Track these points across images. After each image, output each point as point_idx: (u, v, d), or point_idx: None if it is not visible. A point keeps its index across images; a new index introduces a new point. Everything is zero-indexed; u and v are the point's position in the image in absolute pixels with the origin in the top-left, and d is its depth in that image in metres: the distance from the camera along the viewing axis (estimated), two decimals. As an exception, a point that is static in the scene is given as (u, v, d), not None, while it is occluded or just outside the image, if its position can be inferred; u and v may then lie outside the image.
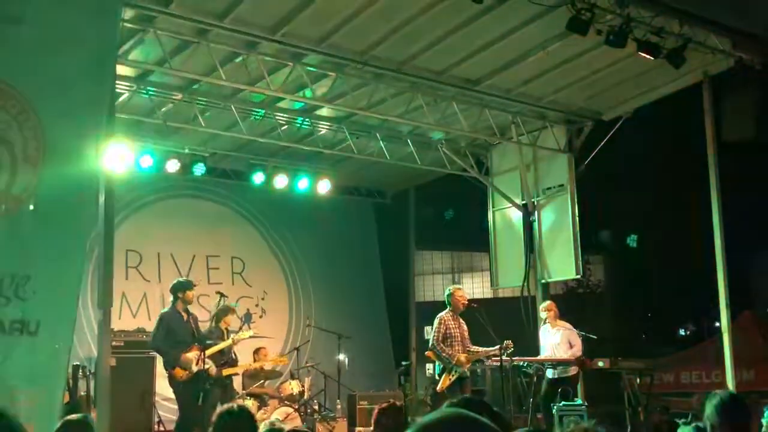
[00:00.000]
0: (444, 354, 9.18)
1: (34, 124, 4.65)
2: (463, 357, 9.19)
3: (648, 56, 8.61)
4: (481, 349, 9.42)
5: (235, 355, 9.50)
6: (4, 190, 4.53)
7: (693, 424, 4.37)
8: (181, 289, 8.90)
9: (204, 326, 9.32)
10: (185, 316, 8.77)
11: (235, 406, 3.80)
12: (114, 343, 9.82)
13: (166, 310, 9.10)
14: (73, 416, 4.41)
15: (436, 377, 9.42)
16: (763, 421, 4.33)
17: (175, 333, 8.61)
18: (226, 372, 9.14)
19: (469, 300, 9.69)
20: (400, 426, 4.79)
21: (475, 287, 22.73)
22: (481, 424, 1.68)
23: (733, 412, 3.59)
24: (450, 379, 9.17)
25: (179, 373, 8.45)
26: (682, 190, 17.23)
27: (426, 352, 9.79)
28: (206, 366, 8.45)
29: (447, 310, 9.44)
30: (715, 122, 9.79)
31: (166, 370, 8.68)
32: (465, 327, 9.47)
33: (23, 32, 4.62)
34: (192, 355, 8.48)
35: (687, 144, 12.85)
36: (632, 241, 23.05)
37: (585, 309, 19.39)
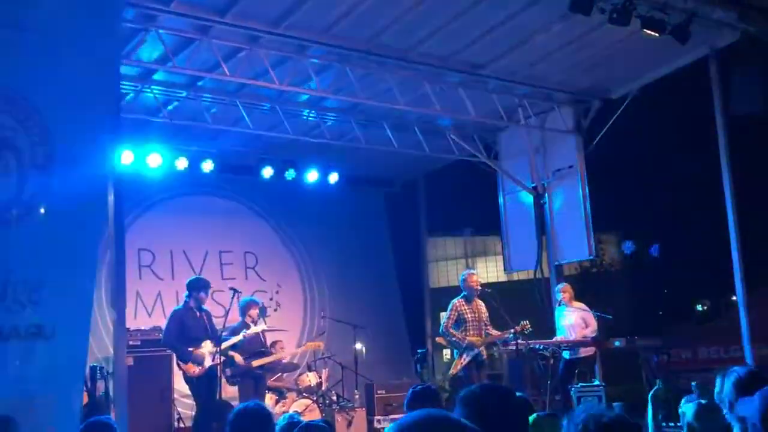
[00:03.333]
0: (453, 338, 9.23)
1: (41, 130, 4.65)
2: (475, 339, 9.19)
3: (653, 33, 8.55)
4: (496, 332, 9.42)
5: (265, 347, 9.57)
6: (14, 196, 4.53)
7: (695, 401, 4.33)
8: (195, 287, 8.95)
9: (219, 322, 9.37)
10: (198, 313, 8.83)
11: (251, 404, 3.79)
12: (131, 342, 9.89)
13: (178, 306, 9.17)
14: (95, 419, 4.43)
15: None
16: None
17: (188, 329, 8.68)
18: (256, 363, 9.21)
19: (481, 284, 9.70)
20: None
21: (489, 271, 22.70)
22: (456, 425, 1.67)
23: (751, 388, 3.55)
24: (462, 363, 9.20)
25: (192, 368, 8.53)
26: (693, 165, 17.10)
27: (436, 338, 9.82)
28: (222, 359, 8.50)
29: (461, 295, 9.46)
30: (723, 96, 9.72)
31: (179, 366, 8.75)
32: (484, 311, 9.45)
33: (26, 38, 4.61)
34: (204, 350, 8.53)
35: (696, 119, 12.77)
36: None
37: (600, 288, 19.36)
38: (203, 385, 8.62)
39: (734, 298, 10.47)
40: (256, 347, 9.34)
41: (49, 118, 4.73)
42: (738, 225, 9.70)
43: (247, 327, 9.26)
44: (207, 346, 8.60)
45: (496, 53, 10.00)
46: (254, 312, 9.46)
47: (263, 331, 9.65)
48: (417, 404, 4.48)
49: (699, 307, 24.78)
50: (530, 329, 9.28)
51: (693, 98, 12.36)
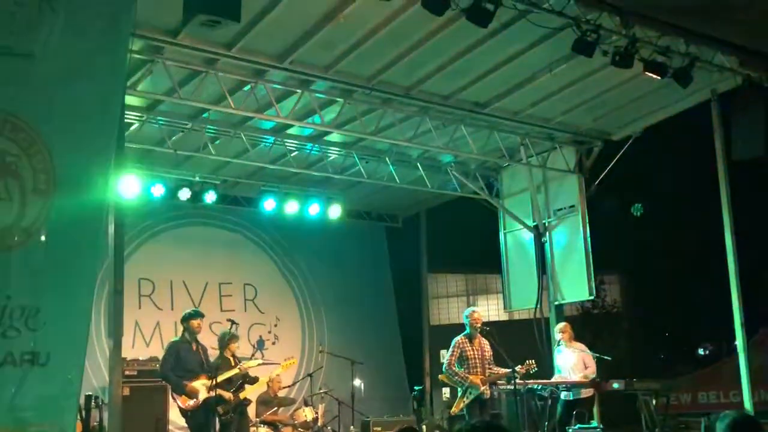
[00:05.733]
0: (456, 377, 9.12)
1: (44, 158, 4.69)
2: (477, 379, 9.08)
3: (655, 76, 8.62)
4: (501, 370, 9.28)
5: (247, 377, 9.42)
6: (14, 222, 4.56)
7: None
8: (186, 317, 8.95)
9: (213, 354, 9.28)
10: (194, 346, 8.79)
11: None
12: (127, 372, 9.86)
13: (175, 339, 9.15)
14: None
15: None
16: None
17: (183, 361, 8.63)
18: (243, 394, 9.10)
19: (482, 323, 9.62)
20: None
21: (491, 309, 22.59)
22: None
23: (745, 432, 3.53)
24: (464, 402, 9.08)
25: (185, 401, 8.47)
26: (695, 209, 17.11)
27: (439, 376, 9.74)
28: (217, 392, 8.42)
29: (464, 333, 9.36)
30: (724, 140, 9.76)
31: (173, 398, 8.70)
32: (488, 349, 9.29)
33: (33, 66, 4.67)
34: (199, 384, 8.48)
35: (698, 162, 12.81)
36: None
37: (601, 330, 19.24)
38: (198, 418, 8.56)
39: (736, 342, 10.43)
40: (233, 384, 9.14)
41: (53, 146, 4.77)
42: (738, 268, 9.67)
43: (228, 362, 9.09)
44: (202, 380, 8.54)
45: (498, 92, 10.08)
46: (234, 346, 9.29)
47: (259, 365, 9.57)
48: None
49: (700, 351, 24.58)
50: (536, 368, 9.17)
51: (695, 141, 12.41)
